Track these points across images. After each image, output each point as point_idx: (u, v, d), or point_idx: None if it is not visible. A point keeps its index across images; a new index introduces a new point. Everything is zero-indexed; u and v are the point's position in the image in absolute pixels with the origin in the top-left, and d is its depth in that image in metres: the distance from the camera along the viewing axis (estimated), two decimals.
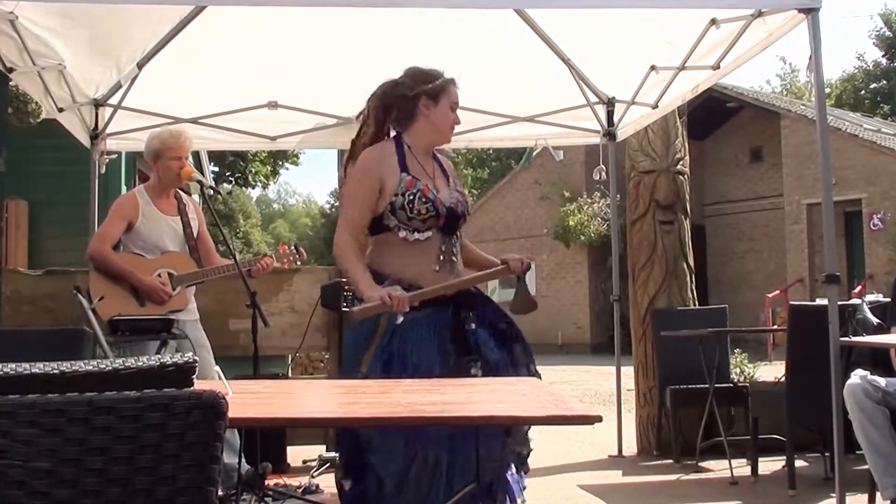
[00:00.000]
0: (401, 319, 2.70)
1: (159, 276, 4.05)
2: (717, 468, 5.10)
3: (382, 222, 2.84)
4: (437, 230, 2.85)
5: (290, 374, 6.24)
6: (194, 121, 5.30)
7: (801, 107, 18.46)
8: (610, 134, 5.66)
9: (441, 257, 2.85)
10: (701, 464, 5.20)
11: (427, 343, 2.72)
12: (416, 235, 2.82)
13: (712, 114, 17.97)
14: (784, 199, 17.82)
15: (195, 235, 4.25)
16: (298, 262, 4.46)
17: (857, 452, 3.74)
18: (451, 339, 2.76)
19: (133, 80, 4.82)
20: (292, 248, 4.46)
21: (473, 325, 2.83)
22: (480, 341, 2.81)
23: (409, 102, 2.93)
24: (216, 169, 23.08)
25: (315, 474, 5.00)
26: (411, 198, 2.80)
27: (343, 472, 2.84)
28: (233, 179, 25.73)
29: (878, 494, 3.50)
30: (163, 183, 4.19)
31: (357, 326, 2.74)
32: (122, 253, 4.12)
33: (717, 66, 4.34)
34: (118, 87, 4.91)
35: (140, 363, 1.36)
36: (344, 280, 5.48)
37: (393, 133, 2.99)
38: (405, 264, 2.81)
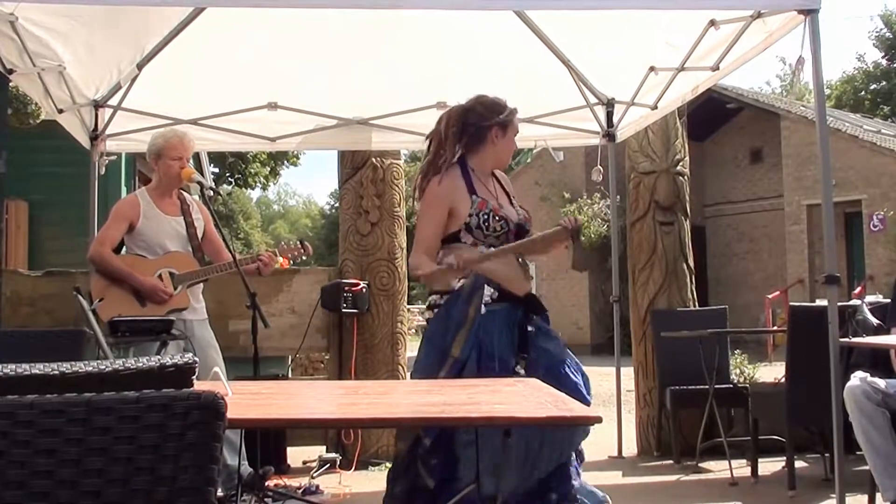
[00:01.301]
0: (484, 310, 3.02)
1: (160, 276, 4.05)
2: (717, 469, 5.10)
3: (459, 239, 3.15)
4: (508, 243, 3.17)
5: (289, 375, 6.24)
6: (194, 122, 5.30)
7: (802, 108, 18.44)
8: (609, 135, 5.66)
9: (517, 263, 3.18)
10: (701, 464, 5.21)
11: (504, 335, 3.06)
12: (492, 249, 3.13)
13: (712, 115, 17.95)
14: (784, 200, 17.80)
15: (200, 235, 4.25)
16: (304, 257, 4.45)
17: (857, 453, 3.74)
18: (517, 333, 3.10)
19: (133, 81, 4.82)
20: (296, 242, 4.46)
21: (532, 329, 3.15)
22: (534, 343, 3.14)
23: (482, 130, 3.24)
24: (216, 170, 23.07)
25: (315, 475, 5.01)
26: (485, 217, 3.12)
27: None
28: (232, 180, 25.72)
29: (879, 495, 3.50)
30: (164, 183, 4.20)
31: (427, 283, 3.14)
32: (124, 255, 4.13)
33: (716, 67, 4.34)
34: (118, 88, 4.91)
35: (140, 364, 1.36)
36: (344, 281, 5.51)
37: (458, 154, 3.27)
38: (488, 267, 3.09)
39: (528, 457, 2.96)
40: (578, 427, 3.00)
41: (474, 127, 3.24)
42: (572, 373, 3.16)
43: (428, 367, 3.07)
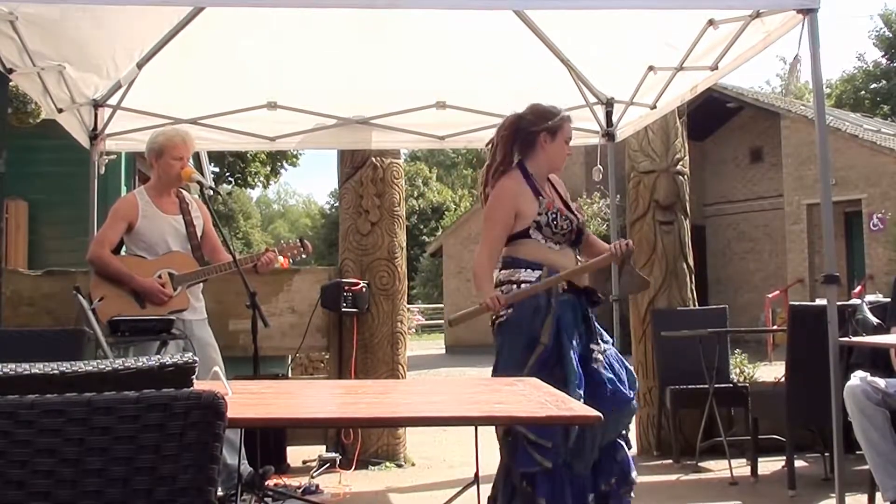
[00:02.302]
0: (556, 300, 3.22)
1: (159, 276, 4.04)
2: (717, 468, 5.10)
3: (529, 235, 3.32)
4: (569, 244, 3.38)
5: (289, 375, 6.24)
6: (194, 121, 5.29)
7: (802, 107, 18.43)
8: (609, 134, 5.65)
9: (576, 261, 3.37)
10: (701, 464, 5.21)
11: (572, 323, 3.24)
12: (557, 247, 3.33)
13: (712, 114, 17.95)
14: (784, 200, 17.80)
15: (199, 234, 4.23)
16: (304, 255, 4.45)
17: (857, 453, 3.74)
18: (583, 323, 3.29)
19: (133, 80, 4.82)
20: (296, 240, 4.45)
21: (594, 316, 3.37)
22: (599, 330, 3.36)
23: (532, 136, 3.43)
24: (216, 169, 23.10)
25: (315, 474, 5.01)
26: (553, 216, 3.32)
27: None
28: (232, 180, 25.76)
29: (878, 495, 3.50)
30: (163, 182, 4.18)
31: (455, 326, 3.45)
32: (123, 255, 4.11)
33: (715, 67, 4.34)
34: (118, 87, 4.90)
35: (140, 363, 1.36)
36: (344, 281, 5.51)
37: (516, 159, 3.47)
38: (555, 261, 3.29)
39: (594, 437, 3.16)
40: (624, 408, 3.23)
41: (525, 132, 3.44)
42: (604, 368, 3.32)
43: (514, 355, 3.21)
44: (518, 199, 3.34)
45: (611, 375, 3.22)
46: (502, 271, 3.36)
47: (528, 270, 3.28)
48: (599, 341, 3.31)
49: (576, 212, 3.47)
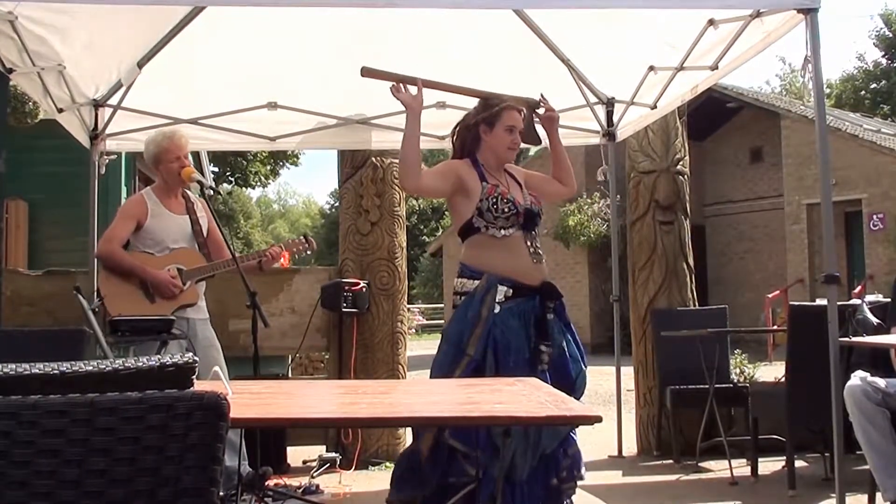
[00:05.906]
0: (498, 309, 3.14)
1: (168, 271, 4.07)
2: (717, 468, 5.10)
3: (473, 225, 3.28)
4: (519, 227, 3.29)
5: (290, 375, 6.25)
6: (194, 121, 5.30)
7: (802, 107, 18.41)
8: (609, 134, 5.66)
9: (530, 251, 3.29)
10: (701, 464, 5.21)
11: (518, 330, 3.16)
12: (503, 232, 3.26)
13: (712, 114, 17.93)
14: (784, 200, 17.79)
15: (204, 233, 4.28)
16: (308, 252, 4.51)
17: (858, 452, 3.74)
18: (534, 325, 3.19)
19: (134, 80, 4.82)
20: (301, 237, 4.49)
21: (552, 316, 3.26)
22: (556, 330, 3.26)
23: (474, 128, 3.45)
24: (216, 169, 23.10)
25: (315, 474, 5.01)
26: (494, 200, 3.27)
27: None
28: (233, 180, 25.75)
29: (879, 495, 3.50)
30: (167, 184, 4.25)
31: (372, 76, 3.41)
32: (131, 251, 4.14)
33: (715, 67, 4.34)
34: (118, 87, 4.91)
35: (140, 364, 1.36)
36: (344, 280, 5.51)
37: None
38: (503, 260, 3.24)
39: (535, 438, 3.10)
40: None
41: (468, 126, 3.46)
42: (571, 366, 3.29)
43: (444, 365, 3.16)
44: (464, 169, 3.34)
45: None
46: (456, 280, 3.33)
47: (470, 281, 3.23)
48: (551, 344, 3.21)
49: (526, 196, 3.40)
